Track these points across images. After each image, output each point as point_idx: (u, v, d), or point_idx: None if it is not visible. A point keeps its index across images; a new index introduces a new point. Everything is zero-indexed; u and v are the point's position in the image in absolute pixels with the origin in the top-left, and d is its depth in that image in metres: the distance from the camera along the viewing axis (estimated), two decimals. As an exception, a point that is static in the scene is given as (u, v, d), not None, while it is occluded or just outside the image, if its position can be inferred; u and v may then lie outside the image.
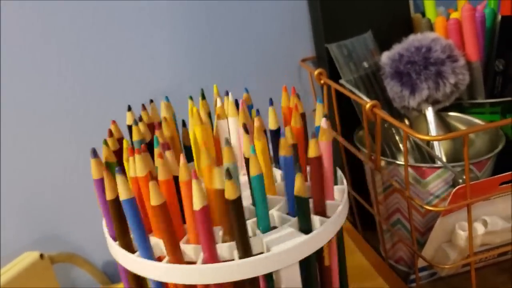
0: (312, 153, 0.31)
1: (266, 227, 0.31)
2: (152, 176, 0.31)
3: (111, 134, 0.35)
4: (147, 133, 0.36)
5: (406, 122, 0.53)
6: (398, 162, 0.43)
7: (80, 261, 0.56)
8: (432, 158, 0.51)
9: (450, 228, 0.42)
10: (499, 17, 0.53)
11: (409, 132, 0.37)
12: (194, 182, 0.28)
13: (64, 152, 0.55)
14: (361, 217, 0.54)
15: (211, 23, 0.56)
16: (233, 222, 0.29)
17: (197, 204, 0.28)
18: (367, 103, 0.41)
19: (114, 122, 0.37)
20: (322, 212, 0.32)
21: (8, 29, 0.50)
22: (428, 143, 0.51)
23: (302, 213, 0.30)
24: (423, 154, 0.52)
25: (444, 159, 0.50)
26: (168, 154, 0.32)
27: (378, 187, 0.47)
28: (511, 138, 0.47)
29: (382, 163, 0.45)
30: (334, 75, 0.51)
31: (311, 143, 0.31)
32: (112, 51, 0.53)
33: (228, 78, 0.57)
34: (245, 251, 0.29)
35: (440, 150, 0.50)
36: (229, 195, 0.28)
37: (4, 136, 0.52)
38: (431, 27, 0.54)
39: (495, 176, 0.38)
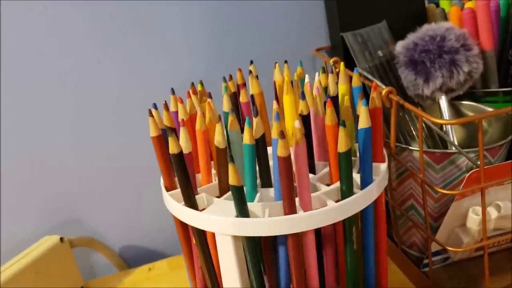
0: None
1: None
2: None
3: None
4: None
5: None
6: (412, 148, 0.44)
7: (99, 246, 0.57)
8: (445, 145, 0.52)
9: (463, 212, 0.42)
10: (514, 7, 0.53)
11: (424, 116, 0.37)
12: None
13: (83, 139, 0.56)
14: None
15: (228, 12, 0.57)
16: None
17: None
18: (383, 89, 0.42)
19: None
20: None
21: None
22: (441, 128, 0.52)
23: (236, 201, 0.32)
24: (436, 142, 0.52)
25: (456, 143, 0.51)
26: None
27: (392, 174, 0.48)
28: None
29: (397, 149, 0.46)
30: (349, 64, 0.52)
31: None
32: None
33: (243, 67, 0.58)
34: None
35: (453, 137, 0.51)
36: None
37: (26, 121, 0.54)
38: (445, 17, 0.55)
39: (508, 161, 0.39)
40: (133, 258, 0.61)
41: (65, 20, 0.52)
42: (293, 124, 0.34)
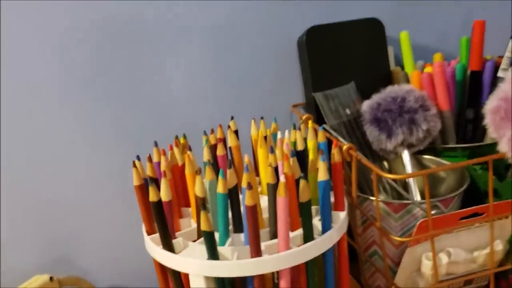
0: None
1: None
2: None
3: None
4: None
5: (385, 163, 0.59)
6: (371, 198, 0.49)
7: (86, 285, 0.61)
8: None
9: (418, 258, 0.47)
10: (469, 71, 0.59)
11: (377, 172, 0.42)
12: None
13: (77, 178, 0.60)
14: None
15: (217, 73, 0.62)
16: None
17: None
18: (344, 145, 0.47)
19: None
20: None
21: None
22: (405, 182, 0.57)
23: (208, 245, 0.37)
24: (400, 193, 0.57)
25: (419, 196, 0.56)
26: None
27: (358, 221, 0.52)
28: (475, 178, 0.52)
29: (360, 199, 0.50)
30: (321, 120, 0.57)
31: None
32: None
33: (226, 121, 0.64)
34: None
35: (415, 188, 0.56)
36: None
37: (19, 159, 0.58)
38: (407, 80, 0.61)
39: (456, 211, 0.44)
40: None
41: (65, 64, 0.58)
42: (266, 174, 0.38)
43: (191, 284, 0.39)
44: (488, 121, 0.43)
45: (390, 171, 0.58)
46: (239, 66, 0.63)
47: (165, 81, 0.61)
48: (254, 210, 0.36)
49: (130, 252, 0.64)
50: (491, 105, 0.43)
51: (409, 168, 0.56)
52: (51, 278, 0.55)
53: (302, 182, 0.37)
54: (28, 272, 0.57)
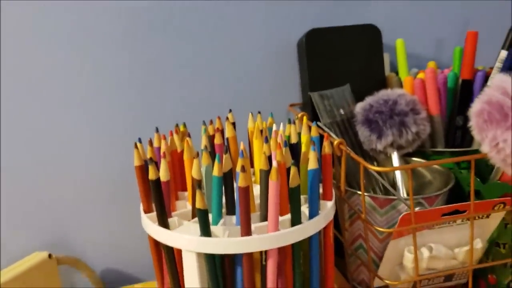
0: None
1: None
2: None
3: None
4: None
5: (375, 163, 0.61)
6: (359, 192, 0.51)
7: (83, 266, 0.63)
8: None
9: (400, 251, 0.49)
10: (460, 80, 0.62)
11: (364, 164, 0.45)
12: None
13: (77, 161, 0.63)
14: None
15: (216, 73, 0.65)
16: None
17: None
18: (335, 140, 0.49)
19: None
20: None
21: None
22: (393, 181, 0.59)
23: (201, 222, 0.39)
24: (388, 190, 0.59)
25: (405, 194, 0.58)
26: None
27: (345, 215, 0.55)
28: (460, 181, 0.55)
29: (348, 193, 0.53)
30: (316, 120, 0.60)
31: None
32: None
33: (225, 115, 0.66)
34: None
35: (402, 187, 0.58)
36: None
37: (20, 139, 0.60)
38: (401, 85, 0.63)
39: (438, 207, 0.46)
40: (112, 281, 0.66)
41: (71, 60, 0.60)
42: (260, 164, 0.40)
43: (184, 261, 0.42)
44: (472, 123, 0.46)
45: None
46: (239, 65, 0.66)
47: (166, 77, 0.64)
48: (246, 191, 0.39)
49: (127, 237, 0.66)
50: (475, 108, 0.45)
51: (397, 171, 0.59)
52: (49, 256, 0.57)
53: (292, 169, 0.40)
54: (28, 251, 0.59)
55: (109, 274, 0.66)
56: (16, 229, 0.62)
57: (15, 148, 0.60)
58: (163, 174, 0.42)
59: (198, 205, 0.38)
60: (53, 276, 0.58)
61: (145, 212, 0.45)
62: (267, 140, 0.44)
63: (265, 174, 0.40)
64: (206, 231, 0.39)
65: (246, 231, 0.39)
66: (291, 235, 0.40)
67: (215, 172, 0.41)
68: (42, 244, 0.63)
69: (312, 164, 0.42)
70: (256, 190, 0.46)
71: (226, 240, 0.39)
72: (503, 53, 0.58)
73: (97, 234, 0.65)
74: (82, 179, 0.63)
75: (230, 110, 0.53)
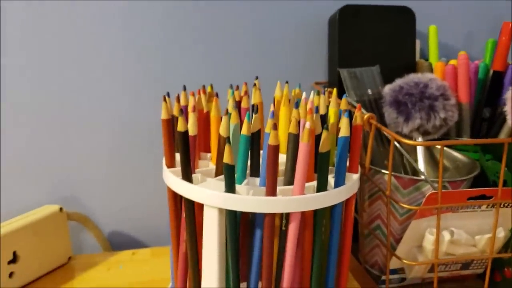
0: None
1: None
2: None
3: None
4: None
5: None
6: (383, 171, 0.50)
7: (91, 225, 0.62)
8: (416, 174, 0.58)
9: (421, 232, 0.48)
10: (491, 71, 0.61)
11: (395, 136, 0.44)
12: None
13: (91, 124, 0.62)
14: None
15: (246, 50, 0.65)
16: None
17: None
18: (365, 114, 0.48)
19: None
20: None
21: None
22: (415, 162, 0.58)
23: (227, 177, 0.38)
24: (410, 172, 0.58)
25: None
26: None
27: (365, 195, 0.54)
28: (485, 170, 0.54)
29: (371, 172, 0.52)
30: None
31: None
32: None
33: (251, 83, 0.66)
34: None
35: (424, 169, 0.57)
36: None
37: (36, 105, 0.60)
38: (431, 70, 0.62)
39: (464, 189, 0.45)
40: (118, 243, 0.66)
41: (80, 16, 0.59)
42: (286, 131, 0.40)
43: (204, 218, 0.41)
44: (507, 108, 0.45)
45: (402, 156, 0.60)
46: (269, 37, 0.65)
47: (196, 40, 0.63)
48: (276, 149, 0.38)
49: (137, 201, 0.65)
50: (510, 93, 0.44)
51: (421, 155, 0.58)
52: (60, 209, 0.56)
53: (324, 133, 0.39)
54: (41, 204, 0.58)
55: (116, 236, 0.66)
56: (29, 183, 0.61)
57: (34, 102, 0.60)
58: (192, 127, 0.41)
59: (226, 159, 0.37)
60: (62, 230, 0.57)
61: (168, 166, 0.44)
62: (297, 106, 0.43)
63: (294, 139, 0.39)
64: (231, 188, 0.39)
65: (272, 191, 0.38)
66: (315, 200, 0.39)
67: (244, 130, 0.40)
68: (53, 199, 0.62)
69: (344, 132, 0.41)
70: (281, 157, 0.45)
71: (251, 198, 0.38)
72: (539, 47, 0.57)
73: (108, 195, 0.65)
74: (96, 135, 0.63)
75: (257, 77, 0.52)
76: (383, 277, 0.52)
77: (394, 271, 0.52)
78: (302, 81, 0.67)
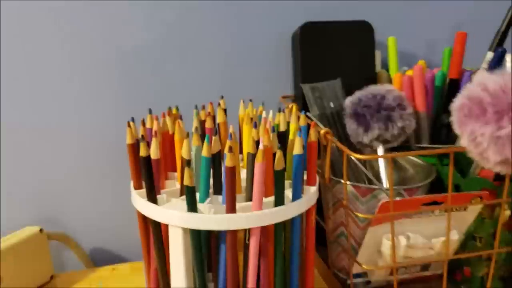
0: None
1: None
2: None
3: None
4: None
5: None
6: (341, 180, 0.53)
7: (72, 243, 0.65)
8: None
9: (379, 238, 0.51)
10: (448, 79, 0.64)
11: (347, 152, 0.47)
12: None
13: (70, 141, 0.65)
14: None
15: (211, 62, 0.67)
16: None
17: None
18: (322, 129, 0.51)
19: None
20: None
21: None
22: (378, 174, 0.61)
23: (188, 198, 0.41)
24: (372, 182, 0.61)
25: (387, 184, 0.60)
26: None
27: (329, 203, 0.56)
28: (441, 175, 0.57)
29: (333, 182, 0.54)
30: (307, 112, 0.62)
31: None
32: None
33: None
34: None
35: (385, 177, 0.60)
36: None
37: (15, 116, 0.62)
38: (391, 82, 0.65)
39: (416, 197, 0.48)
40: (99, 259, 0.68)
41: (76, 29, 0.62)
42: (249, 148, 0.42)
43: (170, 237, 0.43)
44: (454, 118, 0.48)
45: (364, 162, 0.63)
46: (235, 55, 0.67)
47: (162, 61, 0.65)
48: (233, 171, 0.40)
49: (116, 217, 0.68)
50: (457, 103, 0.47)
51: (382, 162, 0.61)
52: (41, 230, 0.59)
53: (278, 152, 0.42)
54: (22, 226, 0.61)
55: (98, 252, 0.68)
56: (9, 204, 0.64)
57: (12, 124, 0.62)
58: (154, 151, 0.44)
59: (186, 182, 0.40)
60: (43, 250, 0.59)
61: (135, 188, 0.46)
62: (256, 126, 0.46)
63: (252, 158, 0.42)
64: (192, 207, 0.41)
65: (231, 208, 0.41)
66: (273, 215, 0.42)
67: (204, 152, 0.42)
68: (34, 220, 0.64)
69: (297, 150, 0.43)
70: (244, 174, 0.47)
71: (211, 216, 0.41)
72: (489, 54, 0.60)
73: (88, 213, 0.67)
74: (75, 155, 0.65)
75: (222, 97, 0.55)
76: (349, 281, 0.55)
77: (358, 275, 0.55)
78: (270, 96, 0.69)
